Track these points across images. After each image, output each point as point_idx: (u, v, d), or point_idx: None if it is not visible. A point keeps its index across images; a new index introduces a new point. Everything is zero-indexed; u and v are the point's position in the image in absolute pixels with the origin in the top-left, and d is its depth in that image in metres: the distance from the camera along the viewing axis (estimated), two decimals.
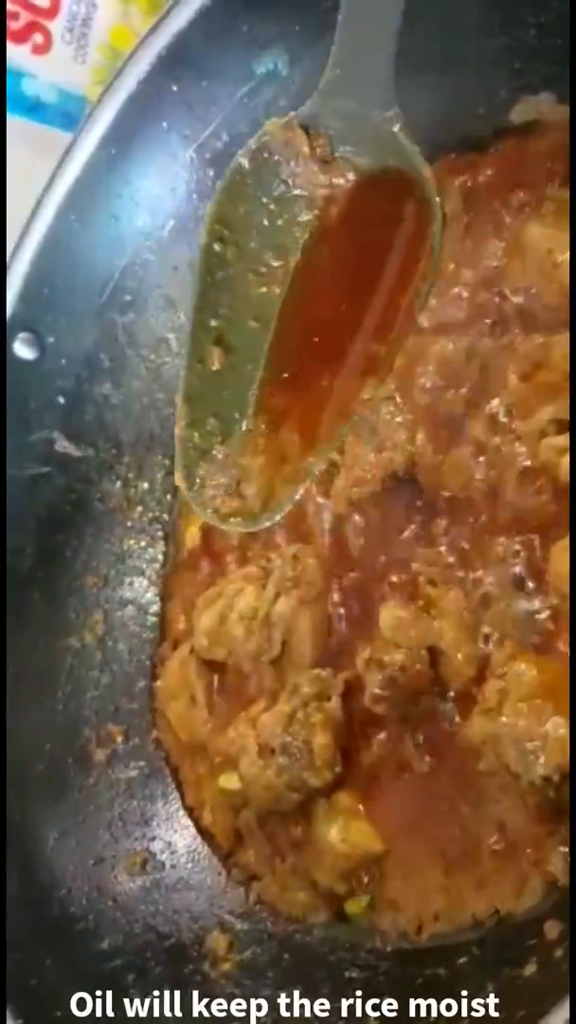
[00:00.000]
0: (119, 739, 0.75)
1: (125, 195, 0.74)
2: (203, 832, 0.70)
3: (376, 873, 0.60)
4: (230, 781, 0.66)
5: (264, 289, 0.46)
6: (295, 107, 0.46)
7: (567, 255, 0.59)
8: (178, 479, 0.48)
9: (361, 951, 0.58)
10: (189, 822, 0.71)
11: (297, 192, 0.45)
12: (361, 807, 0.61)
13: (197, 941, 0.63)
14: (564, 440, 0.53)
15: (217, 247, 0.47)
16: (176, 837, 0.70)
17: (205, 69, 0.70)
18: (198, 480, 0.48)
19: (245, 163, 0.46)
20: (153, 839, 0.70)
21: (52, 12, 0.87)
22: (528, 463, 0.57)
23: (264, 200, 0.46)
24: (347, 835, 0.59)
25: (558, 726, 0.51)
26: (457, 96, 0.67)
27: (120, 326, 0.78)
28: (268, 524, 0.47)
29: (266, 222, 0.46)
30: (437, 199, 0.44)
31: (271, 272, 0.46)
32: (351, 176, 0.44)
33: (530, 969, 0.45)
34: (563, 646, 0.53)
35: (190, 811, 0.71)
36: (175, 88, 0.71)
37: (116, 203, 0.73)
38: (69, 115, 0.88)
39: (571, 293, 0.54)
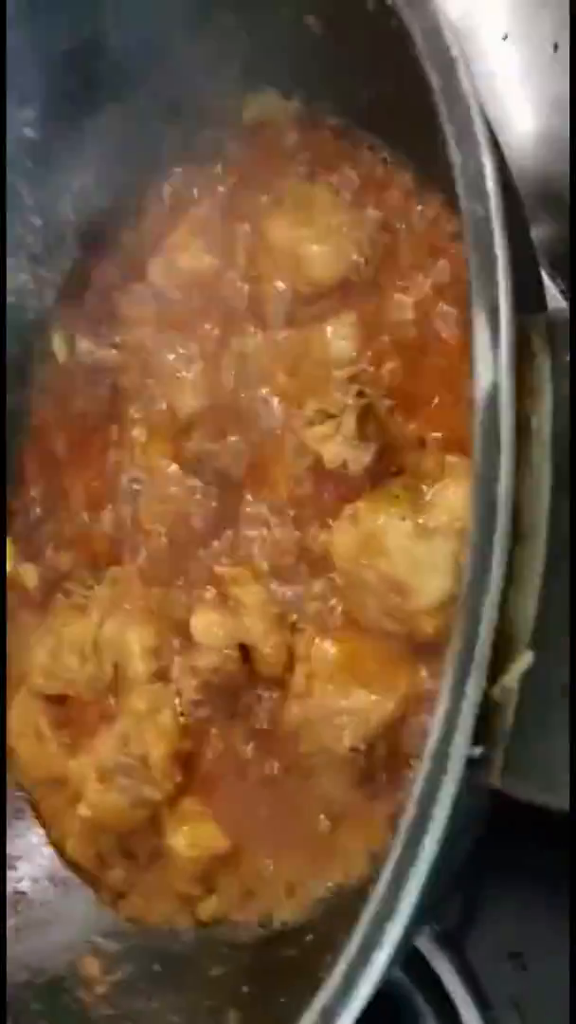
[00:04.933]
0: None
1: None
2: (68, 863, 0.70)
3: (228, 869, 0.61)
4: (85, 810, 0.66)
5: None
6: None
7: (310, 247, 0.61)
8: None
9: (223, 948, 0.60)
10: (55, 855, 0.71)
11: None
12: (206, 809, 0.62)
13: (71, 970, 0.63)
14: (327, 428, 0.55)
15: None
16: (43, 872, 0.71)
17: None
18: None
19: None
20: (21, 879, 0.71)
21: None
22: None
23: None
24: (193, 839, 0.61)
25: (359, 698, 0.54)
26: (194, 107, 0.68)
27: None
28: None
29: None
30: None
31: None
32: None
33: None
34: (355, 621, 0.55)
35: (54, 845, 0.71)
36: None
37: None
38: None
39: None
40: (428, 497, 0.52)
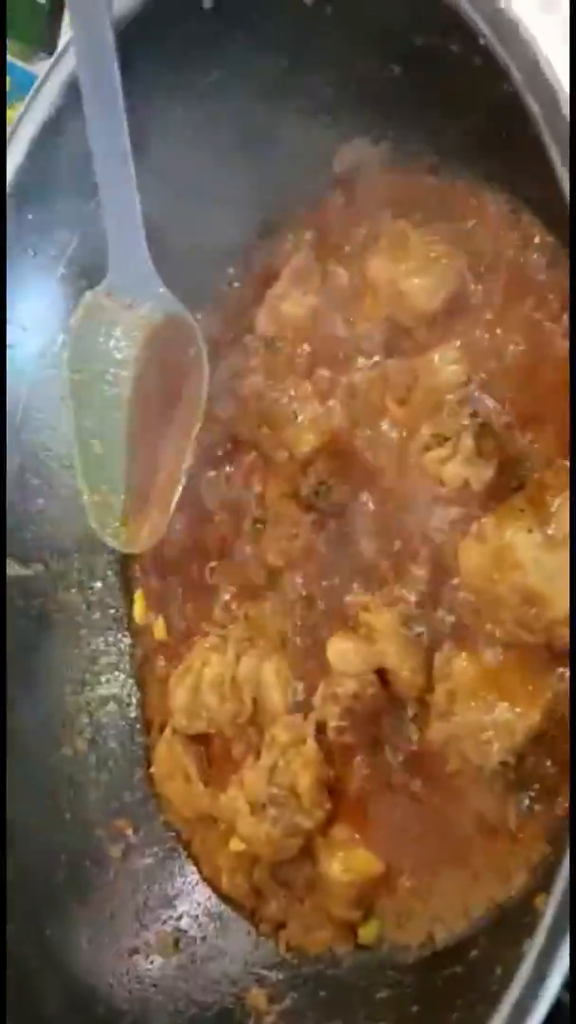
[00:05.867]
0: (129, 831, 0.77)
1: (13, 323, 0.79)
2: (224, 898, 0.72)
3: (384, 892, 0.62)
4: (237, 844, 0.68)
5: (116, 390, 0.66)
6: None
7: (411, 281, 0.63)
8: (97, 531, 0.67)
9: (387, 970, 0.61)
10: (210, 892, 0.73)
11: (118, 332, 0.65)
12: (357, 835, 0.63)
13: (239, 1002, 0.65)
14: (444, 452, 0.57)
15: (76, 377, 0.66)
16: (201, 909, 0.73)
17: (53, 192, 0.75)
18: (108, 527, 0.67)
19: (77, 320, 0.65)
20: (180, 917, 0.73)
21: None
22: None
23: (100, 339, 0.65)
24: (348, 865, 0.62)
25: (503, 711, 0.54)
26: (288, 162, 0.72)
27: (39, 444, 0.82)
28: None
29: (104, 351, 0.65)
30: (202, 344, 0.65)
31: (116, 379, 0.66)
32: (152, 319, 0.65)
33: (527, 943, 0.48)
34: (490, 636, 0.57)
35: (208, 881, 0.74)
36: (31, 217, 0.76)
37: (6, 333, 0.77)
38: None
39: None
40: (553, 508, 0.53)
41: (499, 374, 0.59)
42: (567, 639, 0.52)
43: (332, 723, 0.62)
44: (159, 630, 0.80)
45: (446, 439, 0.58)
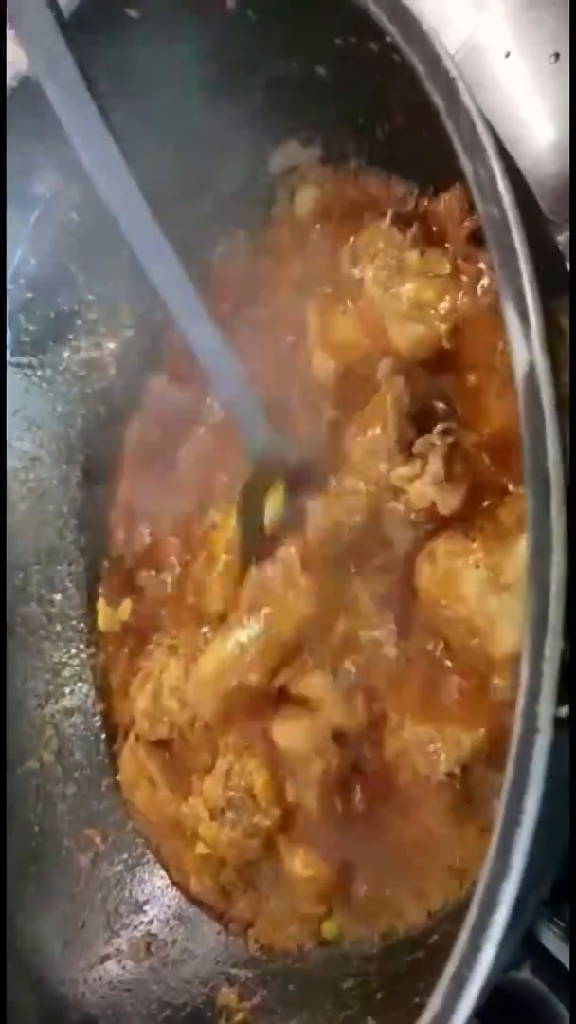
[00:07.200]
0: (98, 840, 0.77)
1: None
2: (194, 900, 0.72)
3: (344, 890, 0.62)
4: (203, 848, 0.69)
5: None
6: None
7: (407, 327, 0.59)
8: None
9: (353, 960, 0.61)
10: (180, 895, 0.73)
11: None
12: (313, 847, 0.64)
13: (209, 1002, 0.65)
14: (409, 470, 0.55)
15: None
16: (171, 912, 0.73)
17: None
18: None
19: None
20: (151, 921, 0.73)
21: None
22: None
23: None
24: (308, 860, 0.63)
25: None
26: (224, 166, 0.72)
27: None
28: None
29: None
30: None
31: None
32: None
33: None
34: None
35: (178, 885, 0.74)
36: None
37: None
38: None
39: None
40: (504, 552, 0.51)
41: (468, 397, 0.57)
42: (506, 679, 0.52)
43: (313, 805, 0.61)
44: (124, 612, 0.80)
45: (412, 456, 0.55)
